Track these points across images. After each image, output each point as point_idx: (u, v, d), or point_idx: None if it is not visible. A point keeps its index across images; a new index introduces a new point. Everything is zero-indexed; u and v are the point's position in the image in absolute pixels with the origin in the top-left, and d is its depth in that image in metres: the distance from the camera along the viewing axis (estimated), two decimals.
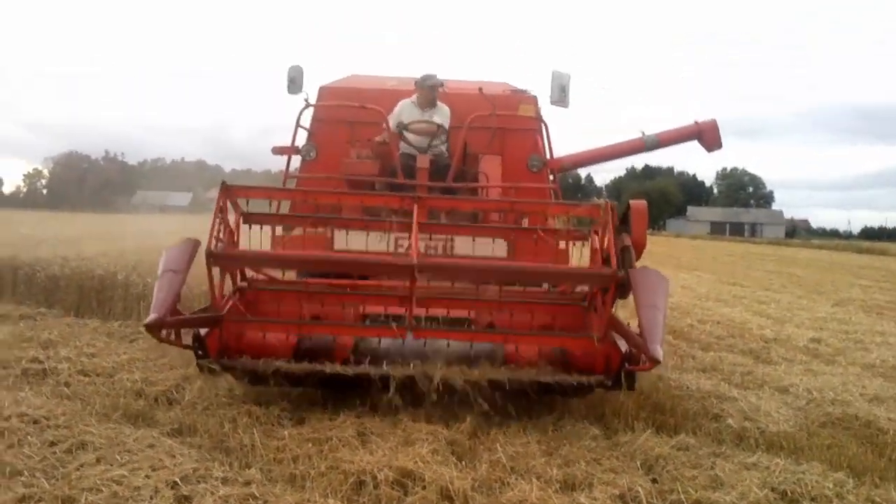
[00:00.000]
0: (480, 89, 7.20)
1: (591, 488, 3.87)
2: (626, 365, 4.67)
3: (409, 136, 6.85)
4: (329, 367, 4.81)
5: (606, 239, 4.99)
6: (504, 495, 3.74)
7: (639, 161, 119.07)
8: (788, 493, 3.98)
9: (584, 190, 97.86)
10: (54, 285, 9.93)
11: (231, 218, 5.28)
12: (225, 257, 5.04)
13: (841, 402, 5.97)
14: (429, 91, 6.94)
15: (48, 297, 9.88)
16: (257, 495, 3.65)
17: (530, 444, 4.51)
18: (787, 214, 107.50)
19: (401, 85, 7.51)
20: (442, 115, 6.97)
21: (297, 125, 6.97)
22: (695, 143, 8.43)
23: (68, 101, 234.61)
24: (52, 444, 4.40)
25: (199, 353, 4.97)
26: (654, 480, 4.15)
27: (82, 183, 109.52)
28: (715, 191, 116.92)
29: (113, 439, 4.47)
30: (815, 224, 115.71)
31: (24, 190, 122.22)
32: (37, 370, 6.28)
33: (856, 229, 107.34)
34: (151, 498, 3.62)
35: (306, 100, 6.96)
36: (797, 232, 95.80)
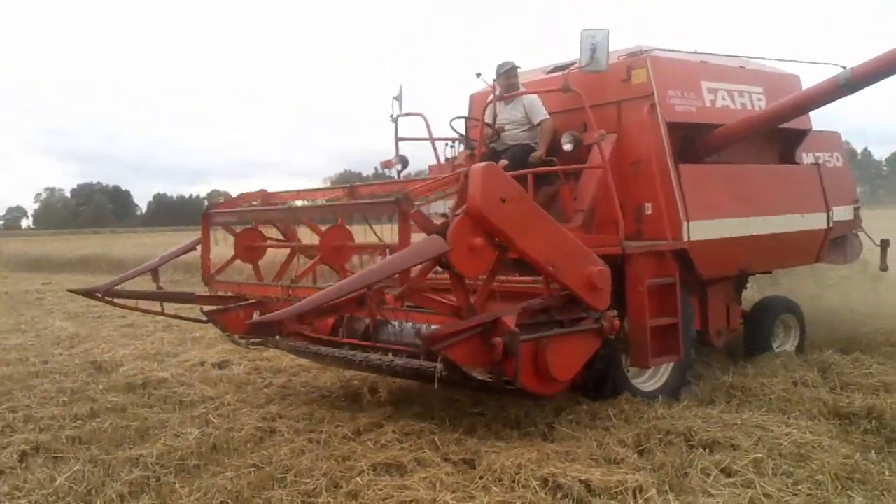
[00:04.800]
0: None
1: (774, 378, 6.03)
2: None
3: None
4: (316, 347, 5.75)
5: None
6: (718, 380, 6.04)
7: None
8: None
9: (861, 166, 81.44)
10: None
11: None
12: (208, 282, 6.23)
13: None
14: (503, 80, 6.45)
15: None
16: None
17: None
18: None
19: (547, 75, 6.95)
20: (516, 105, 6.41)
21: (397, 138, 7.38)
22: None
23: (344, 125, 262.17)
24: None
25: (220, 327, 6.27)
26: (823, 376, 6.18)
27: None
28: None
29: None
30: None
31: None
32: None
33: None
34: None
35: (391, 115, 7.26)
36: None
